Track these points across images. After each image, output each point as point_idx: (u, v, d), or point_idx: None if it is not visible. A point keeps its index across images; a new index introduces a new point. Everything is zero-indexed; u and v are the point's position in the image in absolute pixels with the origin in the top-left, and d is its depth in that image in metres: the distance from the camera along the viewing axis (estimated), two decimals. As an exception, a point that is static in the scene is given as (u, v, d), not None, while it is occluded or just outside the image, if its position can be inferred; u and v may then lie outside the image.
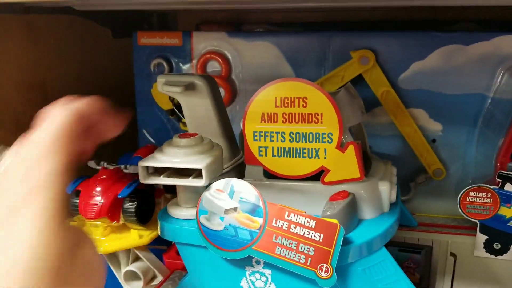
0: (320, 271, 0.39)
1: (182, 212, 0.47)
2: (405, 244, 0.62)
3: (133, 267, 0.56)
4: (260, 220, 0.41)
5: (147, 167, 0.44)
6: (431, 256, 0.61)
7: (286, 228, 0.40)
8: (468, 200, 0.57)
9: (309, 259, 0.39)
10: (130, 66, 0.75)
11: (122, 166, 0.57)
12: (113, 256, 0.57)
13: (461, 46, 0.59)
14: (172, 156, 0.44)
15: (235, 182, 0.42)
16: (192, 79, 0.53)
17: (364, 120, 0.64)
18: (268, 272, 0.43)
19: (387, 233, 0.44)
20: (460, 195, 0.57)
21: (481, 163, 0.62)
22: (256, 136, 0.47)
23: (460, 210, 0.57)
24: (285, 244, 0.40)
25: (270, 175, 0.48)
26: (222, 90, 0.70)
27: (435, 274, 0.62)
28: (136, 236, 0.55)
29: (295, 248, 0.39)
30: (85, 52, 0.76)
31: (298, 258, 0.39)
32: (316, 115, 0.44)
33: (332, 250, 0.39)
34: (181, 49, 0.73)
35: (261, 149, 0.47)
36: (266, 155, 0.47)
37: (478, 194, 0.56)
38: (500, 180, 0.55)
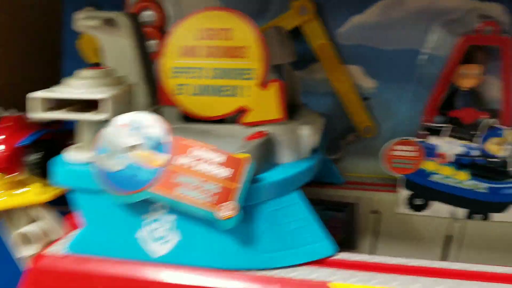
0: (221, 210, 0.37)
1: (78, 155, 0.42)
2: (328, 202, 0.62)
3: (31, 227, 0.47)
4: (164, 157, 0.38)
5: (41, 100, 0.40)
6: (353, 214, 0.61)
7: (192, 165, 0.37)
8: (393, 154, 0.57)
9: (215, 197, 0.37)
10: (59, 16, 0.71)
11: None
12: (9, 215, 0.49)
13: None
14: (72, 87, 0.41)
15: (142, 116, 0.39)
16: (112, 14, 0.50)
17: (302, 76, 0.63)
18: (172, 218, 0.40)
19: (301, 176, 0.43)
20: (384, 148, 0.57)
21: (413, 121, 0.62)
22: (175, 72, 0.44)
23: (384, 165, 0.58)
24: (188, 183, 0.37)
25: (187, 118, 0.46)
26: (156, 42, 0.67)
27: (359, 232, 0.62)
28: (39, 191, 0.48)
29: (199, 186, 0.37)
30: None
31: (200, 197, 0.37)
32: (241, 48, 0.42)
33: (240, 186, 0.37)
34: (113, -3, 0.69)
35: (179, 86, 0.44)
36: (183, 94, 0.44)
37: (403, 148, 0.56)
38: (425, 133, 0.56)
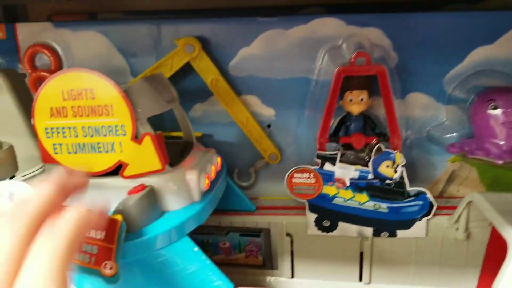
0: (104, 269, 0.37)
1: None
2: (245, 229, 0.62)
3: None
4: (39, 223, 0.37)
5: None
6: (270, 238, 0.62)
7: (67, 229, 0.37)
8: (294, 181, 0.58)
9: (93, 258, 0.37)
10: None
11: None
12: None
13: (282, 31, 0.60)
14: None
15: (11, 184, 0.38)
16: (-14, 74, 0.48)
17: (205, 108, 0.64)
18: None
19: (191, 222, 0.43)
20: (286, 177, 0.58)
21: (312, 144, 0.64)
22: (49, 132, 0.43)
23: (288, 192, 0.59)
24: (66, 246, 0.37)
25: (71, 173, 0.45)
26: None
27: (276, 255, 0.63)
28: None
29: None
30: None
31: (82, 258, 0.37)
32: (106, 107, 0.42)
33: (114, 246, 0.37)
34: (6, 43, 0.67)
35: (55, 146, 0.44)
36: (61, 153, 0.44)
37: (302, 175, 0.58)
38: (320, 161, 0.57)
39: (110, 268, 0.37)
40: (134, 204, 0.40)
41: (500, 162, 0.52)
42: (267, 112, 0.64)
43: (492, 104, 0.52)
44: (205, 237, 0.62)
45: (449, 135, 0.59)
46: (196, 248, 0.43)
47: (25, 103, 0.51)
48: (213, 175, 0.51)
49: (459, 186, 0.61)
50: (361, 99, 0.57)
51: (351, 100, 0.57)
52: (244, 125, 0.64)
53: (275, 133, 0.65)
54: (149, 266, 0.41)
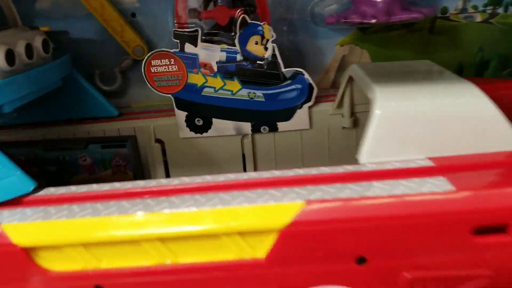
0: None
1: None
2: (106, 139, 0.53)
3: None
4: None
5: None
6: (137, 147, 0.53)
7: None
8: (153, 71, 0.49)
9: None
10: None
11: None
12: None
13: None
14: None
15: None
16: None
17: None
18: None
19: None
20: (143, 66, 0.48)
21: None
22: None
23: (148, 84, 0.49)
24: None
25: None
26: None
27: (148, 166, 0.55)
28: None
29: None
30: None
31: None
32: None
33: None
34: None
35: None
36: None
37: (162, 62, 0.48)
38: (179, 41, 0.48)
39: None
40: None
41: (374, 21, 0.44)
42: (127, -3, 0.54)
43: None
44: (59, 153, 0.52)
45: (330, 7, 0.50)
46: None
47: None
48: (25, 55, 0.40)
49: (348, 74, 0.54)
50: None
51: (214, -33, 0.47)
52: (99, 14, 0.53)
53: (142, 23, 0.55)
54: None
